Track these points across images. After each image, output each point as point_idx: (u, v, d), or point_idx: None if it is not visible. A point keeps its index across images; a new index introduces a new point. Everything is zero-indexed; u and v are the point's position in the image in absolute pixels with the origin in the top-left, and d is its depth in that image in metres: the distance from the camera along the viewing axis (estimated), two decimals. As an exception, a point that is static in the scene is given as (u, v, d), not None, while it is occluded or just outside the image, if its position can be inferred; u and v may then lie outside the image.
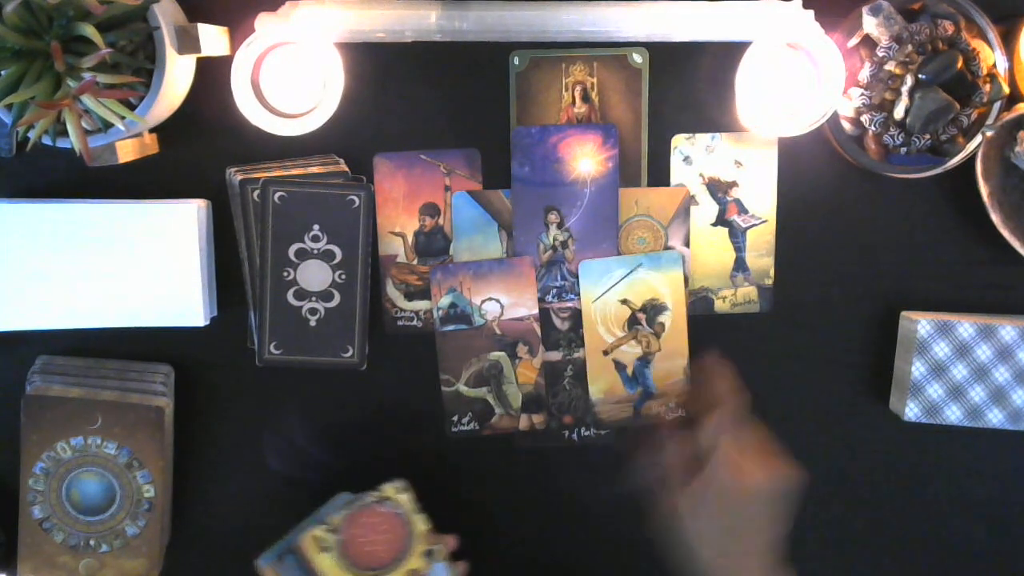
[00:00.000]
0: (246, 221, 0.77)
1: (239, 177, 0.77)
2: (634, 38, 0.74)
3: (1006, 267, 0.81)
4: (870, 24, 0.74)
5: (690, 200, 0.80)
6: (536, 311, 0.81)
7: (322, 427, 0.83)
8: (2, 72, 0.63)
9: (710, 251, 0.81)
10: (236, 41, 0.73)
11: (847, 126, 0.77)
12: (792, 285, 0.82)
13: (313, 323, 0.79)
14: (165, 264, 0.75)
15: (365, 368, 0.80)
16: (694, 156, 0.80)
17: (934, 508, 0.86)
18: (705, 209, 0.81)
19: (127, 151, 0.70)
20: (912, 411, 0.79)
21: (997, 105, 0.76)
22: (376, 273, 0.80)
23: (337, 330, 0.79)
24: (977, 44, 0.75)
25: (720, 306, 0.82)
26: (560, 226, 0.80)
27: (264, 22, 0.71)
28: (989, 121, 0.76)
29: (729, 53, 0.76)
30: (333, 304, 0.79)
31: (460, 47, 0.75)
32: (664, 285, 0.81)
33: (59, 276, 0.75)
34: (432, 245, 0.80)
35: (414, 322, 0.81)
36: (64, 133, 0.64)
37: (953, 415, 0.79)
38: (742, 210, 0.81)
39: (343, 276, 0.78)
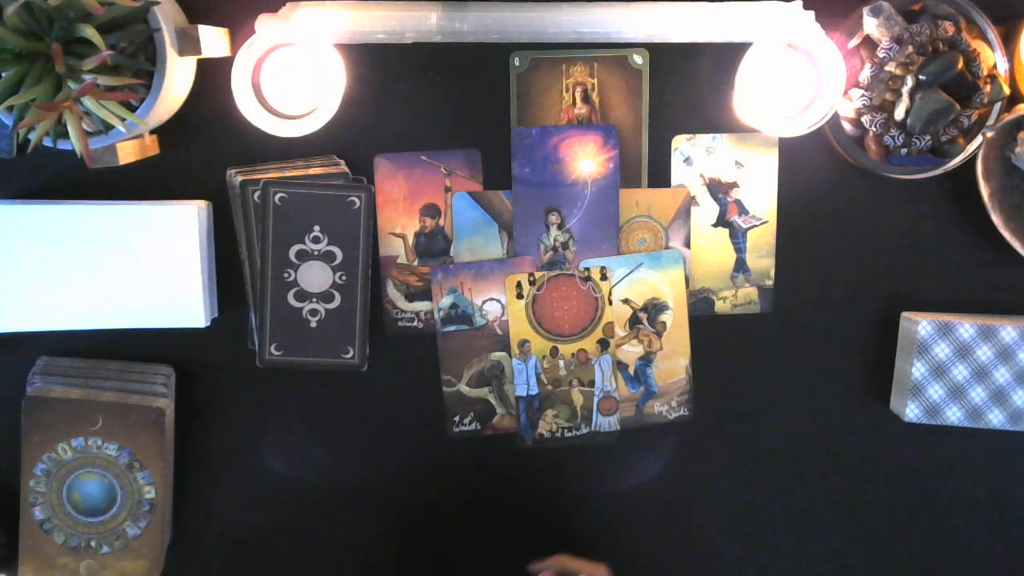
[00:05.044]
0: (247, 222, 0.77)
1: (240, 178, 0.77)
2: (634, 39, 0.74)
3: (1007, 268, 0.81)
4: (871, 25, 0.74)
5: (691, 201, 0.80)
6: (537, 312, 0.81)
7: (323, 428, 0.83)
8: (3, 74, 0.63)
9: (711, 252, 0.81)
10: (236, 42, 0.73)
11: (848, 127, 0.77)
12: (792, 286, 0.82)
13: (314, 324, 0.79)
14: (166, 265, 0.75)
15: (366, 369, 0.80)
16: (695, 157, 0.80)
17: (934, 508, 0.86)
18: (706, 210, 0.81)
19: (128, 153, 0.70)
20: (913, 412, 0.79)
21: (997, 106, 0.76)
22: (377, 274, 0.80)
23: (338, 331, 0.79)
24: (978, 45, 0.75)
25: (721, 307, 0.82)
26: (561, 227, 0.80)
27: (264, 23, 0.71)
28: (989, 122, 0.76)
29: (729, 54, 0.76)
30: (334, 305, 0.79)
31: (460, 48, 0.75)
32: (665, 284, 0.81)
33: (60, 277, 0.75)
34: (433, 246, 0.80)
35: (415, 323, 0.81)
36: (65, 135, 0.64)
37: (954, 416, 0.79)
38: (743, 211, 0.81)
39: (344, 277, 0.78)
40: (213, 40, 0.70)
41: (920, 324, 0.78)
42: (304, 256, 0.78)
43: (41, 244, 0.74)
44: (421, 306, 0.81)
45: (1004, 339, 0.78)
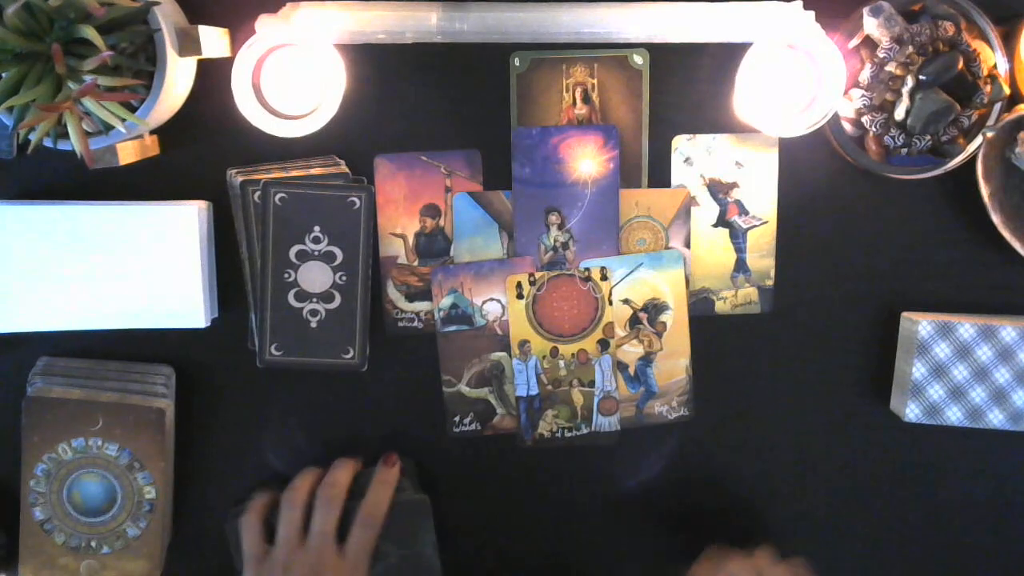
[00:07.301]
0: (247, 222, 0.77)
1: (240, 178, 0.77)
2: (635, 39, 0.74)
3: (1007, 268, 0.81)
4: (871, 25, 0.74)
5: (691, 201, 0.80)
6: (537, 312, 0.81)
7: (323, 429, 0.83)
8: (3, 75, 0.63)
9: (711, 252, 0.81)
10: (237, 43, 0.73)
11: (848, 127, 0.77)
12: (793, 286, 0.82)
13: (314, 324, 0.79)
14: (166, 266, 0.75)
15: (366, 369, 0.80)
16: (695, 157, 0.80)
17: (934, 508, 0.86)
18: (706, 210, 0.81)
19: (128, 153, 0.70)
20: (913, 412, 0.79)
21: (998, 106, 0.76)
22: (377, 274, 0.80)
23: (338, 331, 0.79)
24: (978, 45, 0.75)
25: (721, 307, 0.82)
26: (561, 227, 0.80)
27: (265, 24, 0.71)
28: (990, 122, 0.76)
29: (729, 54, 0.76)
30: (334, 305, 0.79)
31: (461, 48, 0.75)
32: (665, 284, 0.81)
33: (60, 278, 0.75)
34: (433, 246, 0.80)
35: (415, 323, 0.81)
36: (65, 135, 0.64)
37: (954, 416, 0.79)
38: (743, 211, 0.81)
39: (344, 277, 0.78)
40: (213, 40, 0.70)
41: (920, 324, 0.78)
42: (304, 256, 0.78)
43: (41, 244, 0.74)
44: (421, 306, 0.81)
45: (1004, 339, 0.78)
